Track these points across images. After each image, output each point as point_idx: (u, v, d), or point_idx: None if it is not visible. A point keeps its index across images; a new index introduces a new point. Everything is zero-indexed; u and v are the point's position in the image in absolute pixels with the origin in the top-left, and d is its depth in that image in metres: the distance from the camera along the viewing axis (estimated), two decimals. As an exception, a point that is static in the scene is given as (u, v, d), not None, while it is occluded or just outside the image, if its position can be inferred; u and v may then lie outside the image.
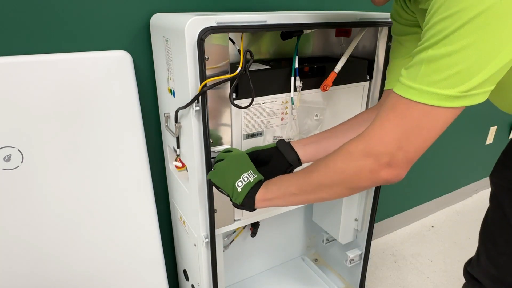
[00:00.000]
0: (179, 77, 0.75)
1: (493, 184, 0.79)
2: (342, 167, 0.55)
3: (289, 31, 0.88)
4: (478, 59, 0.44)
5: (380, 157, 0.51)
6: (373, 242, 1.50)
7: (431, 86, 0.46)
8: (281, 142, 0.78)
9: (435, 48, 0.46)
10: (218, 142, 0.78)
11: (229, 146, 0.79)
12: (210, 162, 0.76)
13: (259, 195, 0.67)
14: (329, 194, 0.59)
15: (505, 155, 0.77)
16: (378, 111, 0.53)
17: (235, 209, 0.87)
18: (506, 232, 0.74)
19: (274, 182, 0.68)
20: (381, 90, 0.98)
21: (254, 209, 0.69)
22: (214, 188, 0.76)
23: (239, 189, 0.69)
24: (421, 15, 0.68)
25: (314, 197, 0.61)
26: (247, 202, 0.68)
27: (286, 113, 0.86)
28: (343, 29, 1.00)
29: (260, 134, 0.84)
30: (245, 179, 0.69)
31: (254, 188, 0.68)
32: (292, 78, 0.82)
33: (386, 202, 1.74)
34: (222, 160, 0.74)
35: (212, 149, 0.77)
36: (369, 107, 1.00)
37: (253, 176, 0.70)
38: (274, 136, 0.87)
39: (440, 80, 0.46)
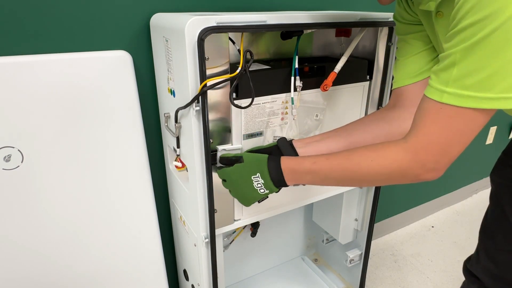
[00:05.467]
0: (179, 77, 0.75)
1: (493, 182, 0.80)
2: (388, 173, 0.57)
3: (289, 31, 0.88)
4: (510, 61, 0.44)
5: (427, 165, 0.54)
6: (373, 242, 1.50)
7: (465, 89, 0.47)
8: (282, 140, 0.79)
9: (466, 53, 0.46)
10: (218, 142, 0.78)
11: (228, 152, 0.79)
12: (210, 162, 0.76)
13: (289, 181, 0.70)
14: (365, 185, 0.63)
15: (506, 154, 0.78)
16: (415, 117, 0.55)
17: (235, 209, 0.87)
18: (505, 229, 0.75)
19: (306, 172, 0.67)
20: (381, 90, 0.98)
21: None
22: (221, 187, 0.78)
23: (265, 191, 0.72)
24: (423, 16, 0.69)
25: (350, 186, 0.67)
26: (279, 185, 0.71)
27: (286, 113, 0.86)
28: (343, 29, 1.00)
29: (260, 134, 0.84)
30: (258, 185, 0.71)
31: (274, 177, 0.70)
32: (292, 78, 0.82)
33: (386, 202, 1.74)
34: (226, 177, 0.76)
35: (223, 146, 0.78)
36: (369, 106, 1.00)
37: (261, 179, 0.71)
38: (274, 136, 0.87)
39: (474, 84, 0.47)
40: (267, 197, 0.74)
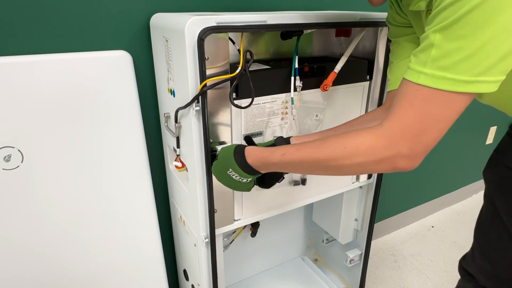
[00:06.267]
0: (179, 77, 0.75)
1: (486, 180, 0.80)
2: (363, 161, 0.55)
3: (289, 31, 0.88)
4: (488, 43, 0.43)
5: (401, 151, 0.52)
6: (373, 242, 1.50)
7: (442, 71, 0.46)
8: (280, 139, 0.79)
9: (445, 32, 0.45)
10: (218, 142, 0.78)
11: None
12: (210, 162, 0.76)
13: (263, 170, 0.70)
14: (341, 174, 0.62)
15: (497, 152, 0.78)
16: (393, 102, 0.53)
17: (235, 209, 0.87)
18: (498, 227, 0.75)
19: (275, 164, 0.66)
20: (381, 90, 0.98)
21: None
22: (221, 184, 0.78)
23: (247, 180, 0.72)
24: (412, 17, 0.69)
25: (324, 174, 0.64)
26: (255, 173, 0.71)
27: (286, 113, 0.86)
28: (343, 29, 1.00)
29: (260, 134, 0.84)
30: (237, 177, 0.71)
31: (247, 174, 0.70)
32: (292, 78, 0.82)
33: (386, 202, 1.74)
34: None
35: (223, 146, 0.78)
36: (369, 107, 1.00)
37: (236, 173, 0.71)
38: (274, 136, 0.87)
39: (451, 65, 0.46)
40: (283, 177, 0.78)
